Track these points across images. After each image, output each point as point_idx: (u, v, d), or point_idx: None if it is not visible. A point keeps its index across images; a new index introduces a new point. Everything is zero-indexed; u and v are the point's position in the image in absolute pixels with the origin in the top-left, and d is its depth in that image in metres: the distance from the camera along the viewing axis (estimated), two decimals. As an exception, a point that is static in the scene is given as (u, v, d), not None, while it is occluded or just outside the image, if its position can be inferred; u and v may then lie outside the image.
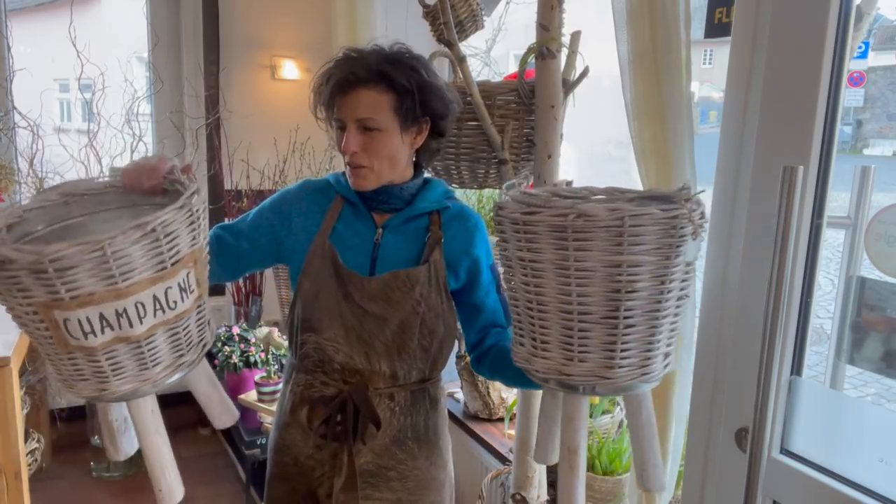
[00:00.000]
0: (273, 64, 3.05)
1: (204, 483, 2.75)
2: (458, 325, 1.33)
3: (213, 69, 2.97)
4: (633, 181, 1.33)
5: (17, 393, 2.01)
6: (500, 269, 1.10)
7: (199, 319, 1.01)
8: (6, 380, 1.93)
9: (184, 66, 3.05)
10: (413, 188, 1.27)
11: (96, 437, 2.88)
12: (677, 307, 0.92)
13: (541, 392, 1.44)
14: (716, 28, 1.52)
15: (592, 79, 1.35)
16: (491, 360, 1.26)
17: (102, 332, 0.87)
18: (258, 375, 2.62)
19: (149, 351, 0.93)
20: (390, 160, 1.21)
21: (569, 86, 1.33)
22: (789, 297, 1.08)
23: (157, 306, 0.90)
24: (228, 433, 2.88)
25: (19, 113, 2.72)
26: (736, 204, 1.17)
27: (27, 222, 0.99)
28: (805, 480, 1.09)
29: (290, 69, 3.05)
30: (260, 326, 2.92)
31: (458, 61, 1.37)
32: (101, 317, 0.85)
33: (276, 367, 2.65)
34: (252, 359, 2.70)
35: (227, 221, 1.37)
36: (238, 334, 2.78)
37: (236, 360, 2.68)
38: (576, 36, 1.33)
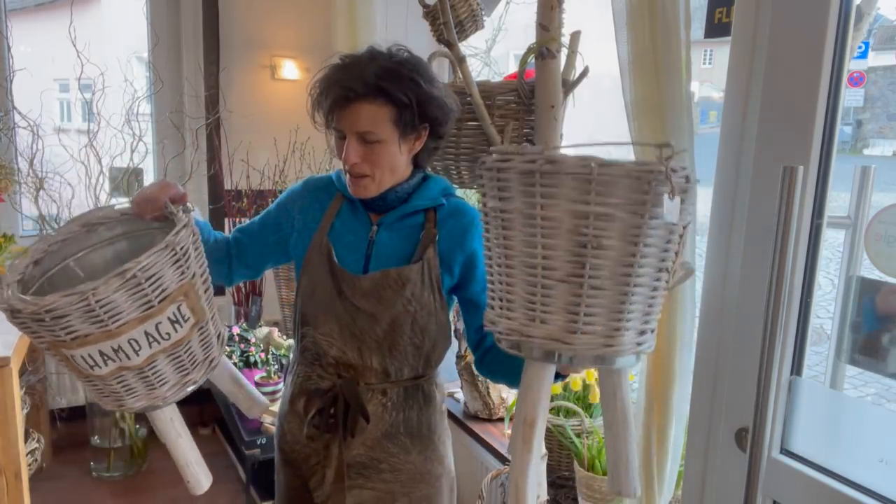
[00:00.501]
0: (273, 64, 3.05)
1: (204, 483, 2.75)
2: (462, 324, 1.34)
3: (213, 69, 2.97)
4: (633, 181, 1.32)
5: (17, 393, 2.01)
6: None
7: (202, 340, 1.07)
8: (6, 380, 1.93)
9: (184, 66, 3.05)
10: (409, 188, 1.28)
11: (96, 437, 2.88)
12: (656, 279, 0.87)
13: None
14: (716, 28, 1.53)
15: (592, 79, 1.35)
16: (490, 360, 1.27)
17: (105, 364, 0.97)
18: (258, 375, 2.62)
19: (153, 375, 1.02)
20: (391, 169, 1.23)
21: (568, 86, 1.33)
22: (789, 297, 1.08)
23: (151, 339, 0.98)
24: (228, 433, 2.88)
25: (19, 113, 2.72)
26: (736, 204, 1.17)
27: (52, 255, 1.11)
28: (805, 480, 1.09)
29: (290, 69, 3.05)
30: (260, 326, 2.92)
31: (458, 61, 1.37)
32: (101, 353, 0.96)
33: (276, 367, 2.65)
34: (252, 359, 2.70)
35: (244, 222, 1.44)
36: (238, 334, 2.78)
37: (236, 360, 2.68)
38: (576, 36, 1.33)
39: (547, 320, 0.86)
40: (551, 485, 1.87)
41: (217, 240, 1.38)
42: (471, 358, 2.26)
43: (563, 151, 1.25)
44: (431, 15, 1.49)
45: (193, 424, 3.19)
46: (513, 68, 1.74)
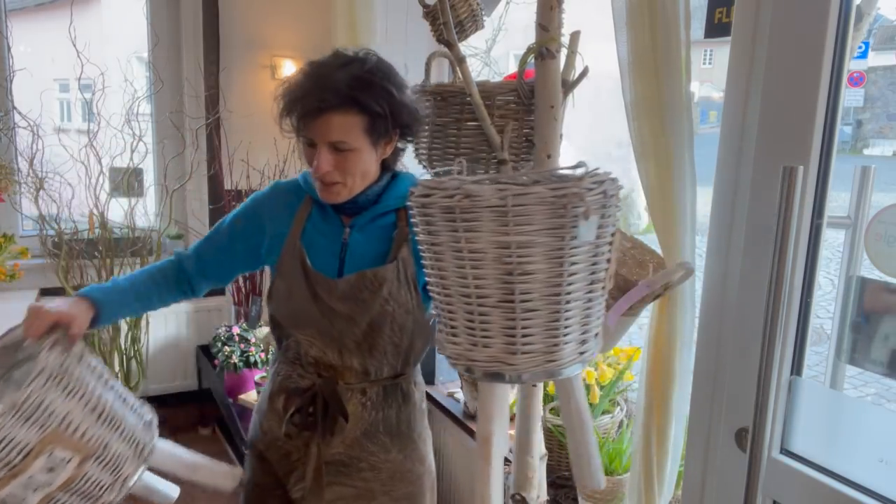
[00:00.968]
0: (273, 64, 3.04)
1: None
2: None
3: (213, 69, 2.97)
4: (633, 181, 1.33)
5: (17, 393, 2.01)
6: None
7: (105, 466, 1.03)
8: (6, 380, 1.93)
9: (184, 66, 3.04)
10: (379, 189, 1.29)
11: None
12: (589, 291, 0.90)
13: (541, 393, 1.44)
14: (716, 28, 1.52)
15: (592, 79, 1.35)
16: None
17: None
18: (258, 375, 2.62)
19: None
20: (362, 175, 1.23)
21: (568, 86, 1.33)
22: (789, 297, 1.08)
23: (32, 488, 0.95)
24: (228, 433, 2.88)
25: (19, 113, 2.72)
26: (736, 204, 1.17)
27: None
28: (805, 480, 1.09)
29: (290, 69, 3.05)
30: (260, 326, 2.92)
31: (458, 61, 1.37)
32: None
33: (276, 367, 2.65)
34: (252, 359, 2.70)
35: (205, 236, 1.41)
36: (238, 334, 2.78)
37: (236, 360, 2.68)
38: (575, 36, 1.32)
39: (488, 344, 0.89)
40: (551, 485, 1.86)
41: (163, 275, 1.37)
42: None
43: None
44: (431, 15, 1.49)
45: (193, 425, 3.19)
46: (512, 68, 1.74)
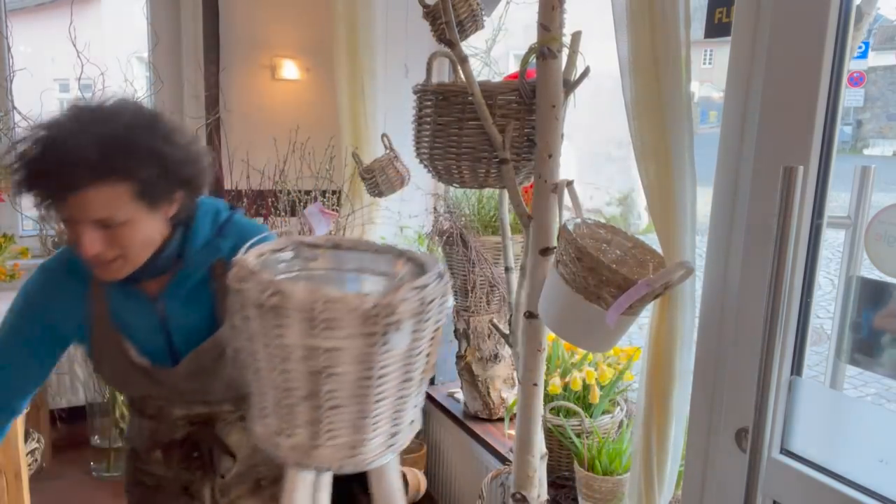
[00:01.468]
0: (273, 64, 3.04)
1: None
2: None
3: (213, 69, 2.97)
4: (633, 181, 1.33)
5: (18, 393, 2.01)
6: None
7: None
8: (6, 380, 1.93)
9: (184, 66, 3.04)
10: (176, 246, 1.11)
11: (96, 437, 2.88)
12: (401, 389, 0.89)
13: (542, 393, 1.44)
14: (716, 28, 1.53)
15: (593, 79, 1.35)
16: None
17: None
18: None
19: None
20: (143, 244, 1.05)
21: (570, 86, 1.33)
22: (789, 297, 1.08)
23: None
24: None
25: (19, 113, 2.72)
26: (736, 204, 1.17)
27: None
28: (805, 480, 1.09)
29: (290, 69, 3.05)
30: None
31: (460, 61, 1.37)
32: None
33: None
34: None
35: None
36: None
37: (236, 360, 2.68)
38: (577, 36, 1.33)
39: (293, 434, 0.88)
40: (551, 485, 1.87)
41: None
42: (471, 358, 2.26)
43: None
44: (431, 15, 1.49)
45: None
46: (513, 68, 1.74)
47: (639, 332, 1.44)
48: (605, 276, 1.07)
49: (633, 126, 1.27)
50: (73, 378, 3.02)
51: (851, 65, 1.08)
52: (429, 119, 1.41)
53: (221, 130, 3.00)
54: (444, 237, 2.25)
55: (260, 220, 2.88)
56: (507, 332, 1.61)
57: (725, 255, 1.19)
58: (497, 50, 3.19)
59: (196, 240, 1.13)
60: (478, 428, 2.26)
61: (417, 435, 2.68)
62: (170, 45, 3.03)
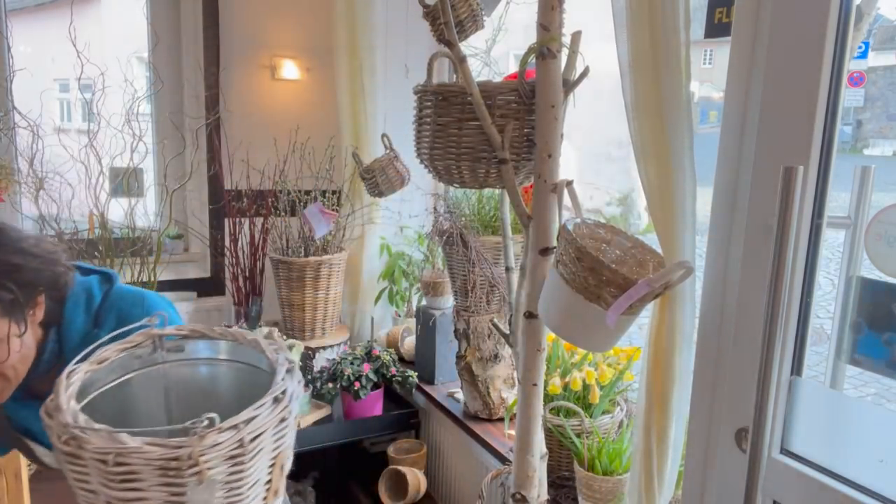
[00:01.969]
0: (273, 64, 3.04)
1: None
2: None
3: (213, 69, 2.97)
4: (633, 181, 1.33)
5: (18, 393, 2.01)
6: None
7: None
8: (6, 380, 1.93)
9: (184, 66, 3.04)
10: (53, 350, 1.08)
11: (96, 437, 2.87)
12: None
13: (542, 393, 1.44)
14: (716, 28, 1.53)
15: (593, 79, 1.35)
16: None
17: None
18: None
19: None
20: (21, 360, 1.03)
21: (569, 86, 1.33)
22: (789, 297, 1.08)
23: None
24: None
25: (19, 113, 2.72)
26: (736, 204, 1.17)
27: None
28: (805, 480, 1.09)
29: (290, 69, 3.05)
30: (260, 326, 2.92)
31: (459, 61, 1.37)
32: None
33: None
34: (252, 359, 2.70)
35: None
36: (238, 334, 2.77)
37: (236, 360, 2.68)
38: (576, 36, 1.33)
39: None
40: (551, 485, 1.87)
41: None
42: (471, 358, 2.26)
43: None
44: (431, 15, 1.49)
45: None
46: (513, 68, 1.74)
47: (639, 332, 1.44)
48: (605, 276, 1.07)
49: (632, 126, 1.27)
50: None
51: (851, 65, 1.08)
52: (429, 119, 1.41)
53: (221, 130, 3.00)
54: (444, 237, 2.25)
55: (260, 219, 2.88)
56: (507, 332, 1.61)
57: (725, 255, 1.19)
58: (497, 50, 3.19)
59: (71, 336, 1.09)
60: (478, 428, 2.26)
61: (417, 435, 2.69)
62: (170, 45, 3.03)
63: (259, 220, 2.90)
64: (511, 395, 2.29)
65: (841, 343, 1.16)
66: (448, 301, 2.58)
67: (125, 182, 2.87)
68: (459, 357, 2.32)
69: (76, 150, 2.77)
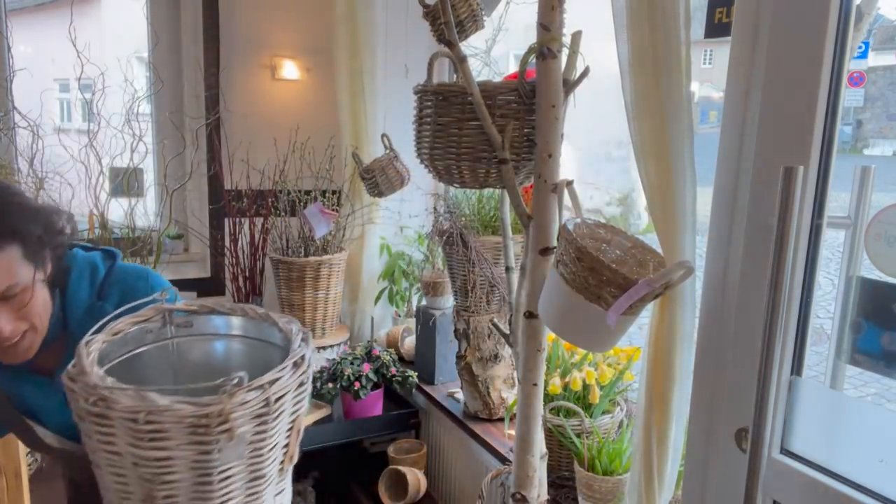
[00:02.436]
0: (273, 64, 3.04)
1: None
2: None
3: (213, 69, 2.97)
4: (633, 181, 1.33)
5: (18, 393, 2.01)
6: None
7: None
8: (6, 380, 1.93)
9: (184, 66, 3.04)
10: (56, 312, 1.08)
11: (96, 437, 2.87)
12: (252, 487, 0.85)
13: (542, 393, 1.44)
14: (716, 28, 1.53)
15: (593, 79, 1.35)
16: None
17: None
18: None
19: None
20: (44, 309, 1.04)
21: (569, 86, 1.33)
22: (789, 297, 1.08)
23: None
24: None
25: (19, 113, 2.72)
26: (736, 204, 1.17)
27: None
28: (805, 480, 1.09)
29: (290, 69, 3.05)
30: (260, 326, 2.91)
31: (459, 61, 1.37)
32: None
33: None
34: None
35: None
36: (238, 334, 2.77)
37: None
38: (577, 36, 1.33)
39: None
40: (551, 485, 1.87)
41: None
42: (471, 358, 2.26)
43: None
44: (431, 15, 1.49)
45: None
46: (513, 68, 1.74)
47: (639, 332, 1.44)
48: (605, 276, 1.07)
49: (632, 126, 1.27)
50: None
51: (851, 65, 1.08)
52: (429, 119, 1.41)
53: (221, 130, 3.00)
54: (444, 237, 2.25)
55: (260, 219, 2.88)
56: (507, 332, 1.61)
57: (725, 256, 1.19)
58: (497, 50, 3.19)
59: (76, 306, 1.10)
60: (478, 428, 2.26)
61: (417, 435, 2.69)
62: (170, 45, 3.03)
63: (259, 220, 2.90)
64: (511, 395, 2.29)
65: (841, 343, 1.16)
66: (448, 301, 2.58)
67: (125, 182, 2.87)
68: (459, 357, 2.32)
69: (76, 150, 2.77)
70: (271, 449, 0.84)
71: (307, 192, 2.81)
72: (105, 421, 0.78)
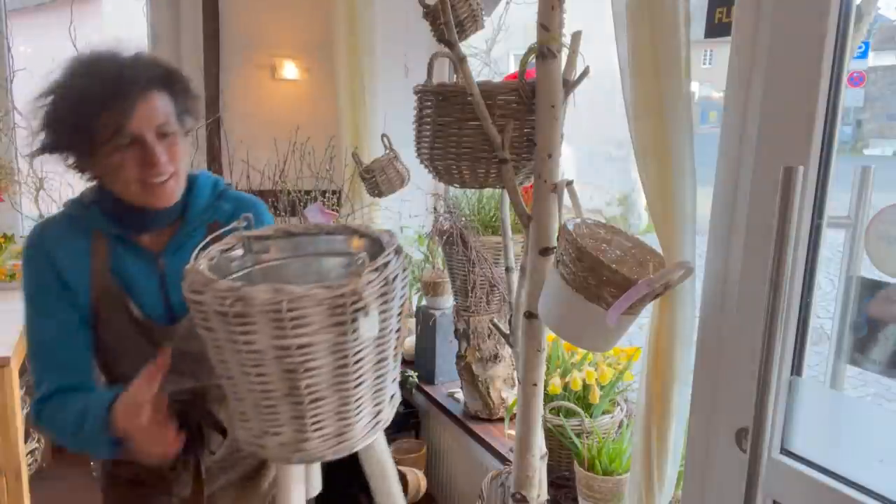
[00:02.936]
0: (273, 64, 3.04)
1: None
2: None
3: (213, 69, 2.97)
4: (633, 181, 1.33)
5: (18, 393, 2.01)
6: None
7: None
8: (6, 380, 1.93)
9: (184, 67, 3.04)
10: (181, 198, 1.16)
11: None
12: (378, 370, 0.90)
13: (542, 393, 1.44)
14: (716, 28, 1.52)
15: (593, 79, 1.35)
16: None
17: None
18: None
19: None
20: (186, 164, 1.13)
21: (569, 86, 1.33)
22: (789, 297, 1.08)
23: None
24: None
25: (19, 113, 2.72)
26: (736, 204, 1.17)
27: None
28: (805, 480, 1.09)
29: (290, 69, 3.05)
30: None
31: (459, 61, 1.37)
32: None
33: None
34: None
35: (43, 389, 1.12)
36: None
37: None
38: (576, 36, 1.33)
39: (279, 432, 0.88)
40: (551, 485, 1.87)
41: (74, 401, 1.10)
42: (471, 358, 2.26)
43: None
44: (431, 15, 1.49)
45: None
46: (513, 68, 1.74)
47: (639, 332, 1.44)
48: (605, 276, 1.07)
49: (632, 126, 1.27)
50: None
51: (851, 65, 1.08)
52: (429, 119, 1.41)
53: (221, 130, 3.00)
54: (444, 237, 2.25)
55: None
56: (507, 332, 1.61)
57: (725, 256, 1.19)
58: (497, 50, 3.19)
59: (199, 201, 1.20)
60: (478, 428, 2.26)
61: (417, 435, 2.69)
62: (170, 45, 3.03)
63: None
64: (511, 395, 2.29)
65: (841, 343, 1.16)
66: (448, 301, 2.58)
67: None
68: (459, 357, 2.32)
69: (76, 150, 2.77)
70: (390, 331, 0.90)
71: (307, 192, 2.81)
72: (245, 319, 0.80)
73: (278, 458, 0.91)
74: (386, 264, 0.86)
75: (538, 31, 1.29)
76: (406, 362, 2.79)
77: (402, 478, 2.42)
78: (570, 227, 1.16)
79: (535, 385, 1.41)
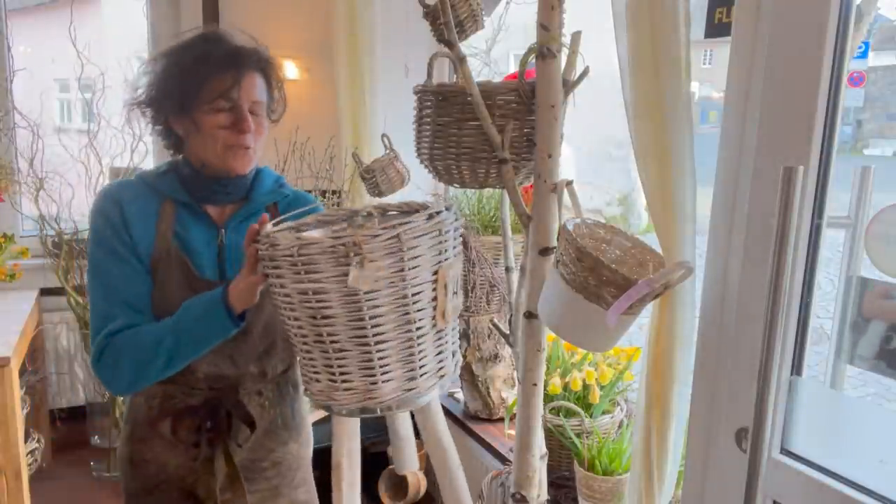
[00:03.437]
0: (273, 64, 3.05)
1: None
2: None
3: (214, 69, 2.98)
4: (633, 181, 1.33)
5: (18, 393, 2.01)
6: None
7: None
8: (6, 380, 1.93)
9: (184, 66, 3.05)
10: (248, 181, 1.28)
11: (96, 437, 2.88)
12: (407, 332, 0.95)
13: (542, 393, 1.44)
14: (716, 28, 1.52)
15: (592, 79, 1.35)
16: None
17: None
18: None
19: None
20: (263, 145, 1.25)
21: (569, 86, 1.33)
22: (789, 297, 1.08)
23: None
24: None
25: (19, 113, 2.72)
26: (736, 204, 1.17)
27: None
28: (805, 480, 1.09)
29: (290, 69, 3.05)
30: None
31: (459, 61, 1.37)
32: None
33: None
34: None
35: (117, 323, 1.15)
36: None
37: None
38: (576, 36, 1.33)
39: (319, 379, 0.97)
40: (551, 485, 1.87)
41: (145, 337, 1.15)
42: (471, 358, 2.26)
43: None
44: (431, 15, 1.49)
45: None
46: (513, 68, 1.74)
47: (639, 332, 1.44)
48: (605, 276, 1.07)
49: (632, 126, 1.27)
50: (73, 378, 3.02)
51: (851, 65, 1.08)
52: (429, 119, 1.41)
53: (221, 130, 3.00)
54: (444, 237, 2.25)
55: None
56: (507, 332, 1.61)
57: (725, 255, 1.19)
58: (497, 50, 3.19)
59: (264, 184, 1.31)
60: (478, 428, 2.26)
61: (417, 435, 2.69)
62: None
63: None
64: (511, 395, 2.29)
65: (841, 343, 1.16)
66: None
67: (125, 182, 2.87)
68: (459, 357, 2.32)
69: (76, 150, 2.78)
70: (414, 295, 0.93)
71: (307, 192, 2.81)
72: (273, 263, 0.92)
73: (319, 405, 0.98)
74: (403, 223, 0.90)
75: (538, 31, 1.29)
76: (406, 362, 2.78)
77: (402, 478, 2.42)
78: (570, 227, 1.16)
79: (535, 385, 1.41)
